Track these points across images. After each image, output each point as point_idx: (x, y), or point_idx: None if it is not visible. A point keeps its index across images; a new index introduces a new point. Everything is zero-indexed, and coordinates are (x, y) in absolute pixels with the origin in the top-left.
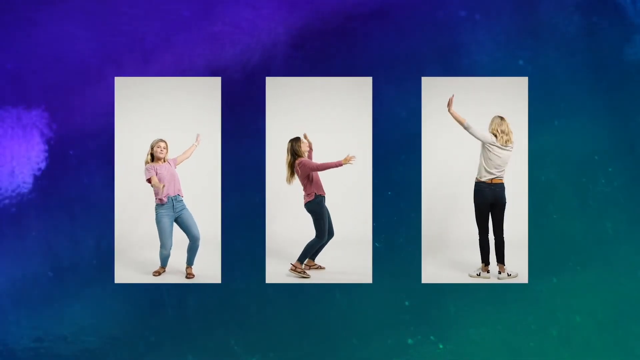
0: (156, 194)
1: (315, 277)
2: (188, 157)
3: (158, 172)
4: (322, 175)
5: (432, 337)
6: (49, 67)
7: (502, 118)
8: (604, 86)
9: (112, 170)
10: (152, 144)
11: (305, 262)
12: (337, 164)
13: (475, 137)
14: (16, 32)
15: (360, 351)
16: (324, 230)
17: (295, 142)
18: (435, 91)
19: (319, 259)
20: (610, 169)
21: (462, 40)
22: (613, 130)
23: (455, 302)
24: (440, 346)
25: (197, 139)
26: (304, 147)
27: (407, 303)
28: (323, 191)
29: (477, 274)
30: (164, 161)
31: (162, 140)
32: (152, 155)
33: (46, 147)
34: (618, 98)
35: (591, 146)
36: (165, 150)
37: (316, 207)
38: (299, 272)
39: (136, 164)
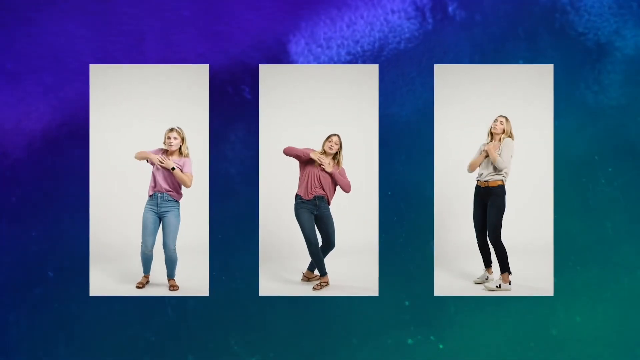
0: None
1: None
2: (185, 180)
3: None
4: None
5: (432, 337)
6: (49, 67)
7: (508, 119)
8: (602, 86)
9: (86, 168)
10: (165, 133)
11: (304, 273)
12: (305, 154)
13: (509, 160)
14: (16, 32)
15: (360, 351)
16: (305, 234)
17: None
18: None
19: None
20: (610, 169)
21: (468, 32)
22: (613, 130)
23: (455, 302)
24: (440, 346)
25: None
26: (327, 146)
27: (407, 303)
28: (306, 193)
29: (497, 286)
30: (178, 154)
31: (172, 130)
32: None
33: (45, 148)
34: (618, 98)
35: (591, 146)
36: (175, 142)
37: (294, 210)
38: (317, 281)
39: (112, 163)
